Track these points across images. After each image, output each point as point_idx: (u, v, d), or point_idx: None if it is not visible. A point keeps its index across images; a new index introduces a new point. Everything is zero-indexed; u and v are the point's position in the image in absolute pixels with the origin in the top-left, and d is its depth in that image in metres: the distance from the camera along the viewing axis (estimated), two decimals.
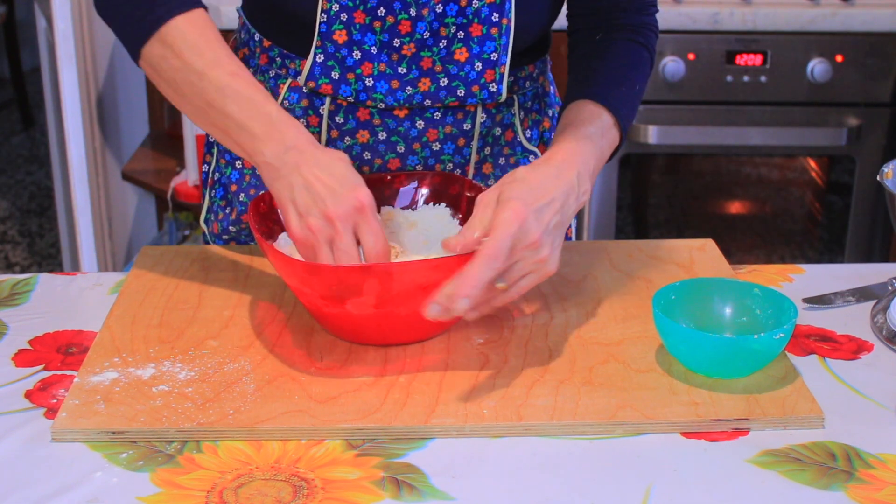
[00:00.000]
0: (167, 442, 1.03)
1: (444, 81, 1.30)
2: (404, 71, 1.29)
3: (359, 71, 1.29)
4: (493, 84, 1.30)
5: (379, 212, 1.22)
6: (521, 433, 1.05)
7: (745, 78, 2.56)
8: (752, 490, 0.98)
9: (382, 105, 1.30)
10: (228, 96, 1.16)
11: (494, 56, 1.29)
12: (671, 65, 2.52)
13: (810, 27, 2.52)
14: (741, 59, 2.54)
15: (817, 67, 2.53)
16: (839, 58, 2.54)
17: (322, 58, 1.28)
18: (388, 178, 1.30)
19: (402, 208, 1.30)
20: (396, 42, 1.27)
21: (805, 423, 1.06)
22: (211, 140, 1.47)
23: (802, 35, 2.53)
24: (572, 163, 1.17)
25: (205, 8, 1.22)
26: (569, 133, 1.22)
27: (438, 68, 1.29)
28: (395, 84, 1.29)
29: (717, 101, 2.59)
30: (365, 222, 1.11)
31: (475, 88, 1.30)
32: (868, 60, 2.55)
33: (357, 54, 1.28)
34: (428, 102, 1.31)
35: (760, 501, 0.96)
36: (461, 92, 1.30)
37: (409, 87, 1.29)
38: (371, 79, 1.29)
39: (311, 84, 1.30)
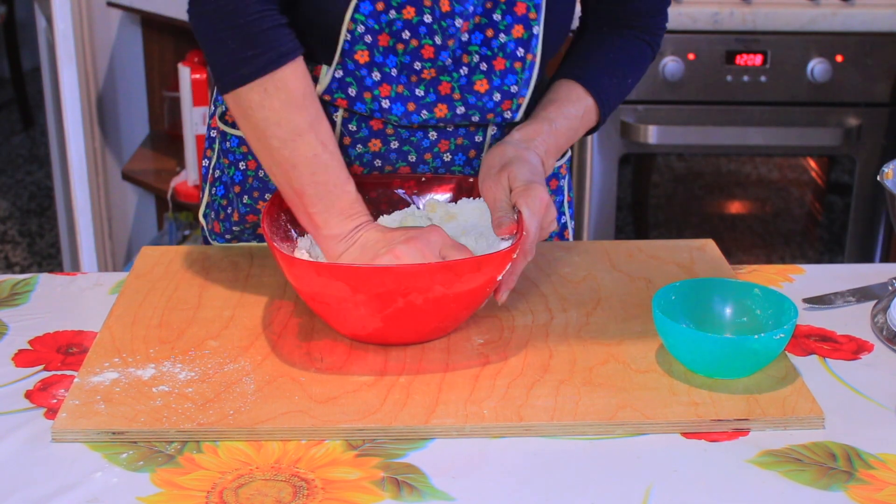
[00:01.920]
0: (167, 442, 1.03)
1: (460, 109, 1.29)
2: (421, 94, 1.28)
3: (376, 92, 1.27)
4: (509, 112, 1.30)
5: (423, 202, 1.32)
6: (521, 433, 1.05)
7: (745, 78, 2.56)
8: (752, 490, 0.98)
9: (396, 124, 1.30)
10: (319, 167, 1.19)
11: (514, 89, 1.28)
12: (671, 65, 2.52)
13: (810, 27, 2.52)
14: (741, 59, 2.54)
15: (817, 67, 2.53)
16: (839, 58, 2.54)
17: (341, 73, 1.27)
18: (397, 182, 1.31)
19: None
20: (417, 65, 1.26)
21: (805, 424, 1.06)
22: (212, 135, 1.46)
23: (802, 35, 2.53)
24: (543, 141, 1.29)
25: (303, 52, 1.21)
26: (549, 111, 1.32)
27: (457, 96, 1.28)
28: (411, 107, 1.28)
29: (717, 101, 2.59)
30: (449, 242, 1.16)
31: (490, 116, 1.30)
32: (868, 60, 2.55)
33: (377, 75, 1.27)
34: (441, 125, 1.31)
35: (760, 501, 0.97)
36: (476, 118, 1.30)
37: (424, 111, 1.29)
38: (388, 100, 1.28)
39: (327, 97, 1.29)
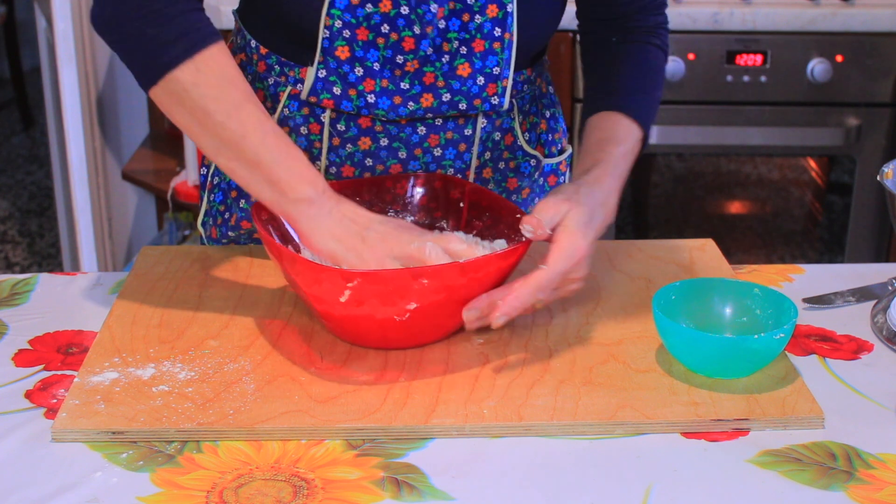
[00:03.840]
0: (167, 442, 1.03)
1: (446, 97, 1.29)
2: (406, 86, 1.28)
3: (361, 87, 1.28)
4: (496, 97, 1.30)
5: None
6: (521, 433, 1.05)
7: (745, 78, 2.56)
8: (752, 490, 0.98)
9: (384, 119, 1.30)
10: (268, 132, 1.16)
11: (497, 70, 1.29)
12: (671, 65, 2.52)
13: (810, 27, 2.52)
14: (741, 59, 2.54)
15: (817, 67, 2.53)
16: (839, 58, 2.54)
17: (324, 73, 1.28)
18: (389, 182, 1.31)
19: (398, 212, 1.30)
20: (399, 59, 1.27)
21: (805, 423, 1.06)
22: None
23: (802, 35, 2.53)
24: (614, 188, 1.24)
25: (221, 38, 1.19)
26: (610, 152, 1.27)
27: (441, 83, 1.29)
28: (397, 100, 1.28)
29: (717, 101, 2.59)
30: (425, 233, 1.16)
31: (477, 102, 1.30)
32: (868, 60, 2.55)
33: (359, 70, 1.27)
34: (430, 116, 1.30)
35: (760, 501, 0.97)
36: (463, 105, 1.30)
37: (411, 103, 1.29)
38: (373, 95, 1.28)
39: (313, 99, 1.29)
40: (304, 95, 1.30)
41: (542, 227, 1.15)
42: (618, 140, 1.29)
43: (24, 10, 4.94)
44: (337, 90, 1.28)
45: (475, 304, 1.13)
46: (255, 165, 1.16)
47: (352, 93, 1.28)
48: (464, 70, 1.28)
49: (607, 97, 1.33)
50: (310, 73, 1.28)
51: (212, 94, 1.16)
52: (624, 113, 1.31)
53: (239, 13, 1.40)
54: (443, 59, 1.28)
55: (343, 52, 1.26)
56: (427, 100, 1.29)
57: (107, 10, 1.18)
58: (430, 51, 1.27)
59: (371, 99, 1.28)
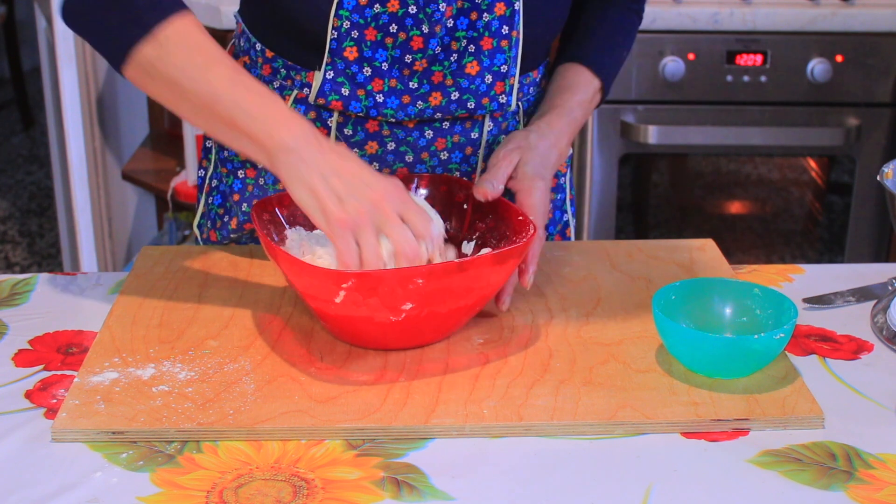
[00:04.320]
0: (167, 442, 1.03)
1: (454, 95, 1.29)
2: (415, 86, 1.28)
3: (369, 87, 1.28)
4: (503, 95, 1.31)
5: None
6: (521, 433, 1.05)
7: (745, 78, 2.56)
8: (752, 490, 0.98)
9: (393, 120, 1.30)
10: (238, 87, 1.13)
11: (504, 68, 1.29)
12: (671, 65, 2.52)
13: (810, 27, 2.52)
14: (741, 59, 2.54)
15: (817, 67, 2.53)
16: (839, 58, 2.54)
17: (332, 74, 1.27)
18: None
19: None
20: (408, 58, 1.27)
21: (805, 423, 1.06)
22: (208, 145, 1.46)
23: (802, 35, 2.53)
24: (565, 131, 1.33)
25: (187, 11, 1.18)
26: (566, 98, 1.36)
27: (449, 82, 1.29)
28: (405, 99, 1.29)
29: (717, 101, 2.59)
30: (410, 203, 1.10)
31: (485, 101, 1.31)
32: (868, 60, 2.55)
33: (367, 71, 1.27)
34: (438, 115, 1.31)
35: (760, 501, 0.96)
36: (471, 104, 1.30)
37: (419, 102, 1.29)
38: (381, 95, 1.28)
39: (321, 101, 1.29)
40: (311, 98, 1.30)
41: (496, 189, 1.23)
42: (574, 89, 1.37)
43: (24, 10, 4.94)
44: (345, 91, 1.28)
45: (506, 294, 1.22)
46: (232, 125, 1.13)
47: (360, 93, 1.28)
48: (472, 68, 1.29)
49: (572, 50, 1.40)
50: (317, 77, 1.28)
51: (177, 64, 1.14)
52: (584, 64, 1.38)
53: (242, 15, 1.39)
54: (451, 58, 1.28)
55: (351, 53, 1.26)
56: (436, 98, 1.29)
57: (71, 1, 1.19)
58: (438, 50, 1.27)
59: (380, 99, 1.28)
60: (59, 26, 2.48)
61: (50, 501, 0.95)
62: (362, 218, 1.08)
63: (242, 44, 1.38)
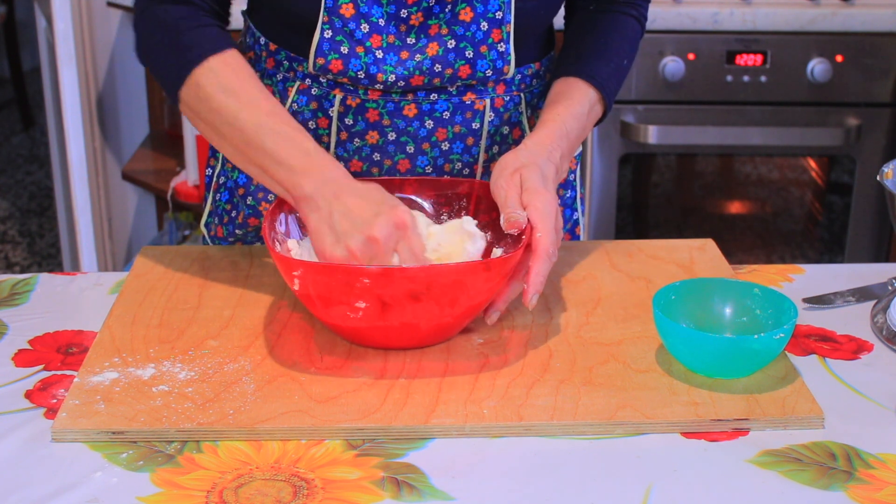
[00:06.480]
0: (167, 442, 1.03)
1: (451, 43, 1.29)
2: (413, 41, 1.29)
3: (368, 44, 1.28)
4: (502, 44, 1.30)
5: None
6: (521, 433, 1.05)
7: (745, 78, 2.56)
8: (752, 490, 0.98)
9: (393, 77, 1.29)
10: (265, 134, 1.20)
11: (499, 14, 1.29)
12: (671, 65, 2.52)
13: (810, 27, 2.52)
14: (741, 59, 2.54)
15: (817, 67, 2.53)
16: (839, 58, 2.54)
17: (330, 33, 1.28)
18: (397, 182, 1.30)
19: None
20: (404, 13, 1.28)
21: (805, 423, 1.06)
22: None
23: (802, 35, 2.53)
24: (557, 145, 1.28)
25: (237, 48, 1.25)
26: (557, 112, 1.31)
27: (445, 31, 1.29)
28: (404, 55, 1.29)
29: (717, 101, 2.59)
30: (406, 240, 1.14)
31: (483, 49, 1.30)
32: (868, 60, 2.55)
33: (365, 27, 1.28)
34: (438, 68, 1.30)
35: (760, 501, 0.97)
36: (469, 53, 1.30)
37: (417, 55, 1.29)
38: (381, 51, 1.29)
39: (321, 61, 1.29)
40: (310, 61, 1.30)
41: (524, 218, 1.18)
42: (567, 101, 1.33)
43: (24, 10, 4.94)
44: (344, 49, 1.28)
45: (495, 308, 1.19)
46: (263, 168, 1.21)
47: (359, 50, 1.28)
48: (466, 15, 1.29)
49: (569, 63, 1.37)
50: (316, 33, 1.28)
51: (212, 107, 1.23)
52: (578, 76, 1.35)
53: (248, 13, 1.42)
54: (445, 10, 1.29)
55: (347, 10, 1.27)
56: (433, 48, 1.29)
57: (141, 42, 1.31)
58: (432, 2, 1.28)
59: (379, 55, 1.29)
60: (59, 26, 2.48)
61: (50, 501, 0.95)
62: (356, 258, 1.12)
63: (248, 40, 1.41)
